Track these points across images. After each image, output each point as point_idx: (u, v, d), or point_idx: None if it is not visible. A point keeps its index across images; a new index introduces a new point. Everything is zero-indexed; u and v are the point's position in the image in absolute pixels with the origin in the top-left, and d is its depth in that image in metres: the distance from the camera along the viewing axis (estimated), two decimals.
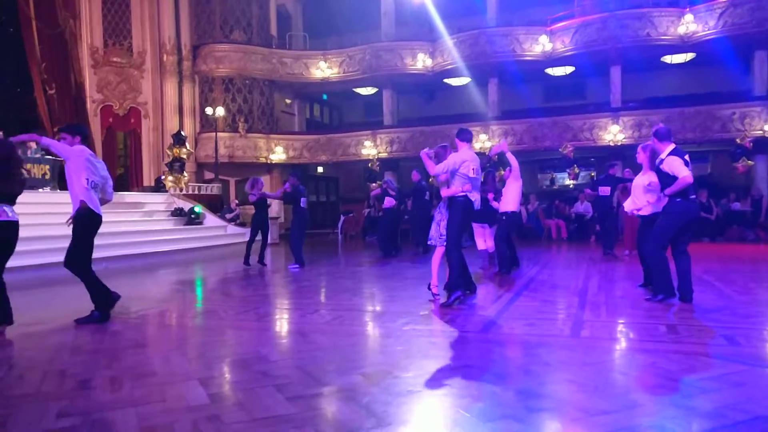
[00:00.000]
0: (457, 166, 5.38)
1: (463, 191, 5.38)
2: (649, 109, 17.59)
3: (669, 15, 16.90)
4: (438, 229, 5.77)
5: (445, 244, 5.59)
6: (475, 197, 5.52)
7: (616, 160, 10.20)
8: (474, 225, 8.29)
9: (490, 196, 8.00)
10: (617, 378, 3.20)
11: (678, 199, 5.13)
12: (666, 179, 5.19)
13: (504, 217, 7.86)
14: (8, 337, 4.38)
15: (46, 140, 4.92)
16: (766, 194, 15.82)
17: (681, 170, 5.01)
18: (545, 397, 2.84)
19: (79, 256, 4.91)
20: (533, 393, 2.89)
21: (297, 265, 9.15)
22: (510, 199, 7.84)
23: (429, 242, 6.00)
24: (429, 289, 5.89)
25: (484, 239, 8.35)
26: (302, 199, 9.24)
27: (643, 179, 5.89)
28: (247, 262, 9.67)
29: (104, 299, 4.95)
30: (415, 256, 10.86)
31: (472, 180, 5.44)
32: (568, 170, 18.17)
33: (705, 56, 17.45)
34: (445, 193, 5.55)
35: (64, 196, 14.75)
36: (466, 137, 5.67)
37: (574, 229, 15.57)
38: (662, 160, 5.24)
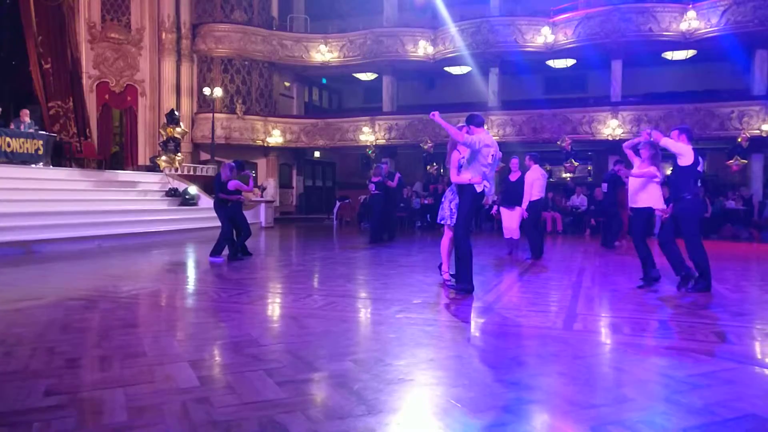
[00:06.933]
0: (479, 147, 5.25)
1: (470, 181, 5.29)
2: (648, 105, 17.58)
3: (672, 11, 16.79)
4: (450, 208, 5.68)
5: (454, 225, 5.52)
6: (487, 186, 5.42)
7: (620, 158, 10.22)
8: (502, 213, 8.87)
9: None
10: (608, 372, 3.20)
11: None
12: None
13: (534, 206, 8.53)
14: None
15: None
16: (761, 193, 15.85)
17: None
18: (536, 389, 2.84)
19: None
20: (524, 385, 2.88)
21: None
22: (536, 187, 8.50)
23: (440, 221, 5.90)
24: (440, 271, 5.92)
25: (510, 227, 8.79)
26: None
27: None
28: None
29: None
30: (409, 243, 10.85)
31: (490, 165, 5.37)
32: (565, 163, 18.17)
33: (706, 53, 17.41)
34: (455, 179, 5.49)
35: (57, 172, 14.61)
36: (480, 121, 5.52)
37: (570, 221, 15.59)
38: None
